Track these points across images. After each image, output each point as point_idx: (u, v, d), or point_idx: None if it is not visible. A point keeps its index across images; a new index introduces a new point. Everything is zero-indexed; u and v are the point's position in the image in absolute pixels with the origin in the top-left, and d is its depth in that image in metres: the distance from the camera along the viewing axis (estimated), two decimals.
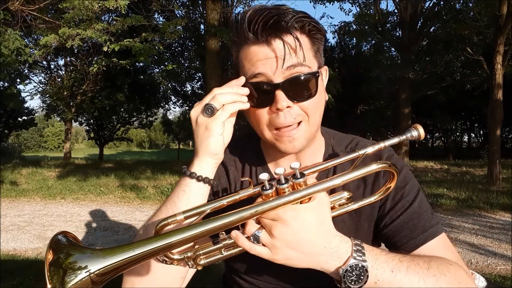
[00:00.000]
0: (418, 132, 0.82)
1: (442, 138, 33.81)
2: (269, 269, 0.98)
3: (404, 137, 0.83)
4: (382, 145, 0.83)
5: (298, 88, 0.85)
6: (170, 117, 38.21)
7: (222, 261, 0.95)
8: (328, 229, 0.78)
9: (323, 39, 0.92)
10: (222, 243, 0.80)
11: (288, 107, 0.85)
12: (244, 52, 0.89)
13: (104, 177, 11.65)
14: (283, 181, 0.75)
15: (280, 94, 0.84)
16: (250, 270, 1.01)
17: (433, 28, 16.63)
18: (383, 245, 1.03)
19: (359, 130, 22.45)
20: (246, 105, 0.84)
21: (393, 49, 19.38)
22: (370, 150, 0.83)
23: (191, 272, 0.93)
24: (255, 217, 0.75)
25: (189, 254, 0.79)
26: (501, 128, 10.39)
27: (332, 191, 0.91)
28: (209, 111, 0.79)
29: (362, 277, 0.75)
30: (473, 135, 32.29)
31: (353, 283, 0.75)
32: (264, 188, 0.76)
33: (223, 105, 0.81)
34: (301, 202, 0.76)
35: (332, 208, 0.85)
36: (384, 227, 0.95)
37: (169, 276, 0.86)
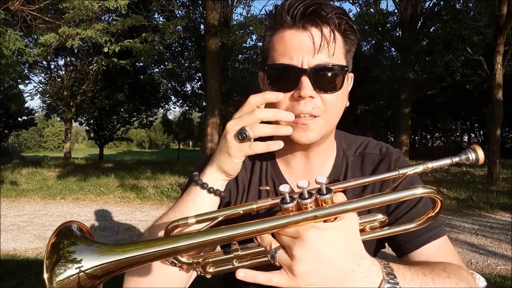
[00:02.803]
0: (476, 155, 0.70)
1: (442, 138, 33.83)
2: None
3: (457, 159, 0.72)
4: (429, 165, 0.72)
5: (324, 79, 0.85)
6: (170, 117, 38.32)
7: None
8: (357, 251, 0.70)
9: (356, 42, 0.91)
10: (234, 254, 0.74)
11: (310, 97, 0.84)
12: (278, 35, 0.88)
13: (104, 177, 11.65)
14: (306, 196, 0.67)
15: (305, 81, 0.83)
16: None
17: (433, 28, 16.65)
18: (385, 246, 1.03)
19: (359, 130, 22.42)
20: (283, 132, 0.78)
21: (393, 49, 19.39)
22: (412, 170, 0.72)
23: (194, 275, 0.92)
24: (271, 232, 0.69)
25: (198, 260, 0.76)
26: (501, 128, 10.39)
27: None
28: (241, 136, 0.73)
29: None
30: (473, 135, 32.27)
31: None
32: (284, 201, 0.68)
33: (253, 142, 0.75)
34: (325, 221, 0.69)
35: (363, 230, 0.78)
36: (388, 225, 0.95)
37: (172, 278, 0.84)
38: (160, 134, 71.21)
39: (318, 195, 0.67)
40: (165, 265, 0.82)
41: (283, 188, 0.69)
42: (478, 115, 26.30)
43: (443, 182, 10.44)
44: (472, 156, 0.71)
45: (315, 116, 0.86)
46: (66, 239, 0.63)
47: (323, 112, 0.87)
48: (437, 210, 0.74)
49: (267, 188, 0.82)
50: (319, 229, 0.67)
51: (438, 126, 29.37)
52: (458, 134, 33.70)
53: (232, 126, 0.76)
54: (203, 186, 0.80)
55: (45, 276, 0.59)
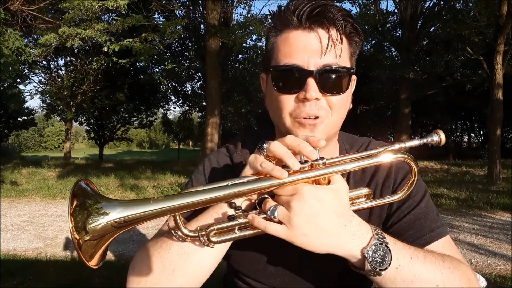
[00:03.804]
0: (439, 137, 0.82)
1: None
2: (272, 273, 0.98)
3: (424, 140, 0.82)
4: (403, 145, 0.81)
5: (330, 82, 0.85)
6: (170, 117, 38.21)
7: (223, 262, 0.94)
8: (347, 210, 0.76)
9: (360, 44, 0.91)
10: (238, 220, 0.77)
11: (316, 99, 0.84)
12: (283, 36, 0.88)
13: (104, 177, 11.65)
14: (303, 161, 0.75)
15: (311, 83, 0.82)
16: (253, 273, 1.00)
17: (433, 28, 16.67)
18: None
19: (359, 130, 22.44)
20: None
21: (393, 49, 19.41)
22: (390, 147, 0.81)
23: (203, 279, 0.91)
24: (273, 189, 0.74)
25: (202, 232, 0.78)
26: (501, 128, 10.39)
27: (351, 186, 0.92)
28: (260, 147, 0.79)
29: (386, 259, 0.73)
30: (473, 135, 32.31)
31: (378, 264, 0.72)
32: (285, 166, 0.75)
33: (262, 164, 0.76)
34: (319, 184, 0.76)
35: (351, 203, 0.83)
36: (391, 226, 0.95)
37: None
38: (160, 134, 71.27)
39: (313, 161, 0.75)
40: (203, 255, 0.81)
41: None
42: (478, 115, 26.33)
43: (443, 182, 10.44)
44: (435, 138, 0.82)
45: (320, 117, 0.86)
46: (88, 198, 0.70)
47: (328, 113, 0.87)
48: (414, 173, 0.83)
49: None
50: (313, 187, 0.73)
51: (438, 126, 29.37)
52: (458, 134, 33.70)
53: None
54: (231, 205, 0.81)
55: (71, 225, 0.65)
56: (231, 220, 0.78)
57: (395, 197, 0.86)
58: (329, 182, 0.76)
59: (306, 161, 0.74)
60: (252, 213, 0.76)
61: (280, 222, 0.73)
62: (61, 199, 8.88)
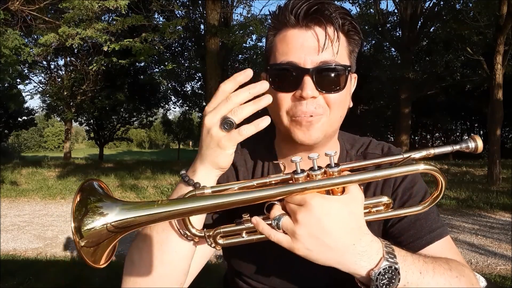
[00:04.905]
0: (475, 144, 0.73)
1: (442, 138, 33.82)
2: (274, 273, 0.97)
3: (458, 147, 0.74)
4: (431, 151, 0.75)
5: (327, 79, 0.84)
6: (170, 117, 38.24)
7: (223, 262, 0.94)
8: (359, 226, 0.71)
9: (360, 43, 0.91)
10: (245, 225, 0.76)
11: (313, 97, 0.83)
12: (281, 35, 0.88)
13: (104, 177, 11.65)
14: (316, 167, 0.71)
15: (308, 81, 0.82)
16: (254, 273, 1.00)
17: (433, 28, 16.65)
18: None
19: (359, 130, 22.39)
20: (265, 103, 0.74)
21: (393, 49, 19.40)
22: (416, 154, 0.75)
23: (191, 277, 0.91)
24: (281, 198, 0.72)
25: (210, 233, 0.78)
26: (501, 128, 10.40)
27: (369, 194, 0.90)
28: (227, 125, 0.71)
29: (393, 280, 0.70)
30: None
31: (384, 286, 0.70)
32: (296, 172, 0.72)
33: (239, 127, 0.73)
34: (333, 193, 0.72)
35: (368, 212, 0.79)
36: (391, 226, 0.95)
37: (169, 279, 0.83)
38: (160, 134, 71.21)
39: (327, 168, 0.71)
40: (161, 266, 0.80)
41: (295, 158, 0.73)
42: (478, 115, 26.32)
43: None
44: (471, 144, 0.74)
45: (316, 115, 0.85)
46: (93, 195, 0.69)
47: (326, 110, 0.86)
48: (440, 188, 0.75)
49: (282, 162, 0.81)
50: (323, 199, 0.70)
51: (438, 126, 29.38)
52: (458, 134, 33.71)
53: (212, 119, 0.72)
54: (196, 185, 0.77)
55: (73, 225, 0.64)
56: (238, 225, 0.77)
57: (414, 209, 0.81)
58: (343, 191, 0.72)
59: (319, 168, 0.71)
60: (257, 217, 0.74)
61: (284, 232, 0.72)
62: (61, 199, 8.88)
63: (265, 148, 1.04)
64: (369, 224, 0.94)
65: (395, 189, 0.96)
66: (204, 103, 20.80)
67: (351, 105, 0.95)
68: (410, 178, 0.95)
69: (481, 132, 29.70)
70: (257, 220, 0.73)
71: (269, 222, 0.73)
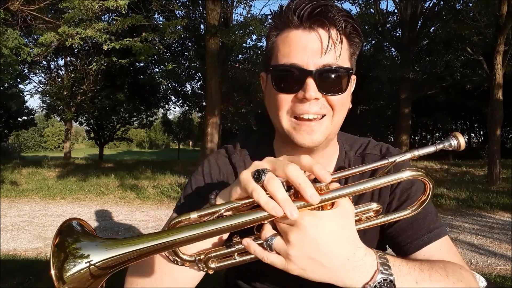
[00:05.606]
0: (458, 141, 0.73)
1: (442, 138, 33.60)
2: (274, 273, 0.97)
3: (441, 146, 0.74)
4: (416, 153, 0.74)
5: (330, 81, 0.84)
6: (170, 117, 38.25)
7: None
8: (352, 240, 0.71)
9: (360, 45, 0.91)
10: (236, 247, 0.75)
11: (315, 98, 0.83)
12: (283, 35, 0.87)
13: (104, 177, 11.65)
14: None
15: (310, 83, 0.82)
16: (254, 274, 0.99)
17: (433, 28, 16.64)
18: (389, 249, 1.02)
19: (359, 130, 22.44)
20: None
21: (393, 49, 19.39)
22: (401, 158, 0.74)
23: (199, 276, 0.91)
24: (271, 220, 0.69)
25: (201, 257, 0.76)
26: (501, 128, 10.39)
27: (359, 201, 0.89)
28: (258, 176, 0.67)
29: None
30: (473, 135, 32.29)
31: None
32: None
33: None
34: (322, 208, 0.70)
35: (359, 220, 0.79)
36: (389, 226, 0.94)
37: (177, 279, 0.83)
38: (160, 134, 71.23)
39: (315, 183, 0.67)
40: (169, 266, 0.81)
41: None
42: (478, 115, 26.31)
43: (443, 182, 10.43)
44: (454, 142, 0.73)
45: (321, 117, 0.85)
46: (70, 236, 0.64)
47: (329, 110, 0.86)
48: (427, 193, 0.76)
49: None
50: (314, 217, 0.68)
51: (438, 126, 29.38)
52: None
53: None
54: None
55: (52, 272, 0.59)
56: (229, 247, 0.75)
57: (403, 213, 0.80)
58: (333, 204, 0.72)
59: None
60: (248, 239, 0.72)
61: (277, 252, 0.71)
62: (61, 199, 8.88)
63: (265, 149, 1.04)
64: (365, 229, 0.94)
65: (393, 190, 0.96)
66: (204, 103, 20.79)
67: (351, 106, 0.96)
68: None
69: (481, 132, 29.72)
70: (248, 242, 0.72)
71: (260, 241, 0.72)
